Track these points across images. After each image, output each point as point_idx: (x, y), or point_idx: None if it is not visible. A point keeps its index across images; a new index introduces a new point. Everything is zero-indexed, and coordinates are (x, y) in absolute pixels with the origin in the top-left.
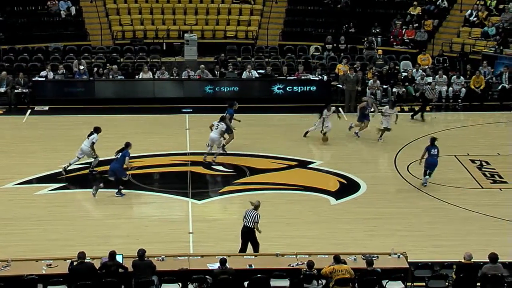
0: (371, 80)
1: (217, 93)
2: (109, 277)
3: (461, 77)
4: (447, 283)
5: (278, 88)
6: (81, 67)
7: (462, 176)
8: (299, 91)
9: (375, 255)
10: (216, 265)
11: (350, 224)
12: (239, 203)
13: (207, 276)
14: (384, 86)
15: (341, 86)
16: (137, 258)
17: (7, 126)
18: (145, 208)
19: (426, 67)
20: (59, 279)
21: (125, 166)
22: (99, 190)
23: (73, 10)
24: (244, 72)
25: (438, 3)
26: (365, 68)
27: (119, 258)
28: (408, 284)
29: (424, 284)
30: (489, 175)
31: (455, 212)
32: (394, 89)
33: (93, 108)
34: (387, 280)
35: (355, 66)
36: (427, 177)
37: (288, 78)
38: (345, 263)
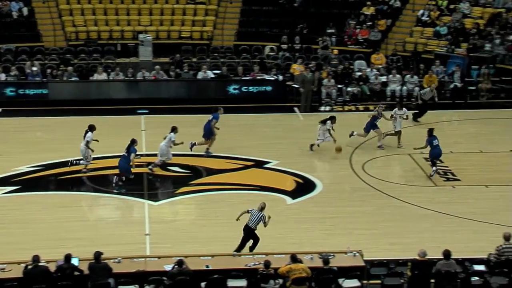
0: (326, 80)
1: (173, 94)
2: (65, 280)
3: (415, 76)
4: (402, 280)
5: (234, 89)
6: (34, 69)
7: (417, 174)
8: (254, 91)
9: (332, 254)
10: (172, 266)
11: (306, 223)
12: (196, 203)
13: (164, 278)
14: (339, 86)
15: (296, 86)
16: (93, 261)
17: None
18: (101, 210)
19: (380, 66)
20: (13, 284)
21: (130, 163)
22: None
23: (25, 11)
24: (200, 72)
25: (391, 3)
26: (320, 68)
27: (74, 261)
28: (364, 282)
29: (379, 281)
30: (442, 173)
31: (410, 210)
32: (348, 89)
33: (47, 110)
34: (343, 278)
35: (310, 66)
36: (434, 168)
37: (243, 78)
38: (301, 262)
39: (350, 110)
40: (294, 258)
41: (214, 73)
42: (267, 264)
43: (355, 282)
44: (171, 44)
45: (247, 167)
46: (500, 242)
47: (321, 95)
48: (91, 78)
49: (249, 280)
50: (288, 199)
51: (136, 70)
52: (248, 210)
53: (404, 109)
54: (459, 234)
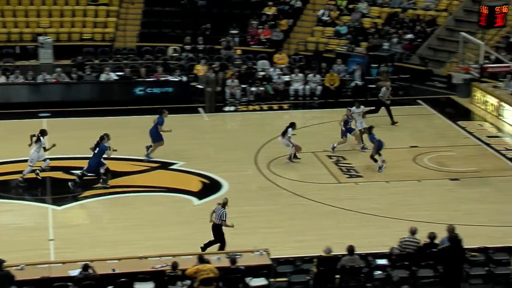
0: (230, 80)
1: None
2: None
3: (317, 75)
4: (308, 277)
5: (140, 90)
6: None
7: (320, 172)
8: (158, 92)
9: (239, 253)
10: (78, 271)
11: None
12: (101, 207)
13: (69, 283)
14: (243, 86)
15: (201, 86)
16: None
17: None
18: (1, 217)
19: (283, 66)
20: None
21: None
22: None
23: None
24: (102, 74)
25: (292, 3)
26: (225, 68)
27: None
28: (271, 280)
29: (286, 279)
30: (345, 170)
31: (314, 208)
32: (252, 88)
33: None
34: (250, 277)
35: (213, 66)
36: (382, 159)
37: (147, 79)
38: (209, 262)
39: (254, 110)
40: (202, 259)
41: (117, 75)
42: (174, 265)
43: (263, 281)
44: (72, 46)
45: (152, 168)
46: (402, 235)
47: (225, 96)
48: None
49: (157, 282)
50: (194, 200)
51: (36, 73)
52: (214, 210)
53: (362, 106)
54: (363, 229)
